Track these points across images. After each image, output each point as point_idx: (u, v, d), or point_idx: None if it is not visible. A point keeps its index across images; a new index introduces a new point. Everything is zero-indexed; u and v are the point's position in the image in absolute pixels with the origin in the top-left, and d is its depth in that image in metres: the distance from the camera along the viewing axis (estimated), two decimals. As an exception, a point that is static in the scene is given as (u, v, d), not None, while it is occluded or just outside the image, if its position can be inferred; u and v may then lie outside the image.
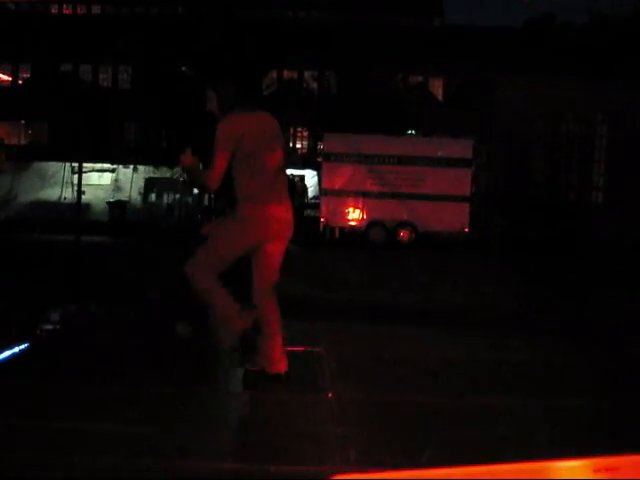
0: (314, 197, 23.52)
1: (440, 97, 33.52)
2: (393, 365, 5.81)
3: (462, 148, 20.11)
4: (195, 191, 24.84)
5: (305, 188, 23.64)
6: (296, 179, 22.67)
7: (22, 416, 4.24)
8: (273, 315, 4.97)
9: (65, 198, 19.08)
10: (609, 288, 11.60)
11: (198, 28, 23.27)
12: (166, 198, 25.09)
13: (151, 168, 26.56)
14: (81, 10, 44.36)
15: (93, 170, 15.70)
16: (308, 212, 21.47)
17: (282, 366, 4.93)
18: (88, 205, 16.74)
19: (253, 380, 4.93)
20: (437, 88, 33.70)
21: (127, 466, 3.57)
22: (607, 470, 1.55)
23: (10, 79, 39.27)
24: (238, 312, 4.85)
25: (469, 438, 4.13)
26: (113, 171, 26.17)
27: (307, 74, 33.86)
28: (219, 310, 4.91)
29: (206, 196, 24.07)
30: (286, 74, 33.70)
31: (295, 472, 3.65)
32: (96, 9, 43.73)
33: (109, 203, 23.18)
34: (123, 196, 24.45)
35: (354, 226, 20.20)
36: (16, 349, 5.65)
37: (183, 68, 25.87)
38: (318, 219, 20.21)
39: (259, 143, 4.91)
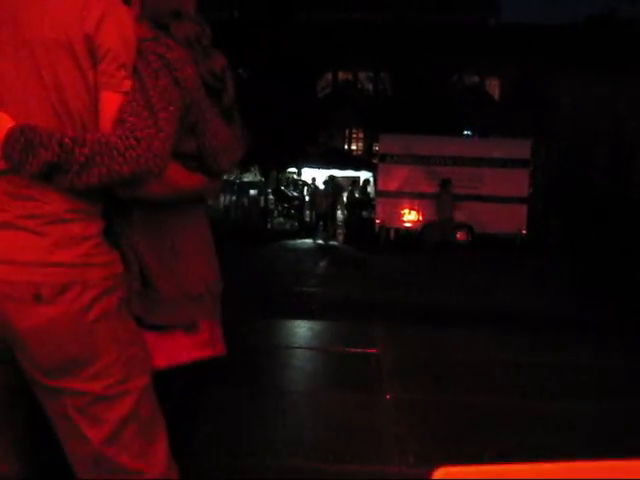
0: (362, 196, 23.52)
1: (496, 97, 33.15)
2: (450, 366, 5.82)
3: (519, 148, 19.82)
4: (252, 192, 25.08)
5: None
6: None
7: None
8: None
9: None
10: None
11: (254, 32, 23.49)
12: (223, 200, 25.43)
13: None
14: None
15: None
16: (364, 213, 21.50)
17: None
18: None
19: None
20: (493, 88, 33.33)
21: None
22: None
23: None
24: None
25: (525, 440, 4.13)
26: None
27: (362, 75, 33.85)
28: None
29: (262, 197, 24.32)
30: (341, 76, 33.76)
31: (354, 471, 3.71)
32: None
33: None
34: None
35: (410, 227, 20.14)
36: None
37: (239, 70, 26.17)
38: (373, 220, 20.26)
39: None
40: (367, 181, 23.07)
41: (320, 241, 20.03)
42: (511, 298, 10.27)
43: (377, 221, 20.04)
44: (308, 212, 21.90)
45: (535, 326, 7.87)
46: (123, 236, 1.85)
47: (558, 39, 28.52)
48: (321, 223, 21.35)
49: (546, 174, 23.15)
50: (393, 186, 19.74)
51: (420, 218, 19.83)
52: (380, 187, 20.16)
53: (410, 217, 19.95)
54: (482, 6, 36.66)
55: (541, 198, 21.26)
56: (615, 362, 6.20)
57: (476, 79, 32.65)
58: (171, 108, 1.72)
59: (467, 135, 27.76)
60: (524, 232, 19.24)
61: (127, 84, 1.73)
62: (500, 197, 19.18)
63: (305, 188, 23.23)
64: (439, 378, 5.49)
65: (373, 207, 21.27)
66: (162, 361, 1.85)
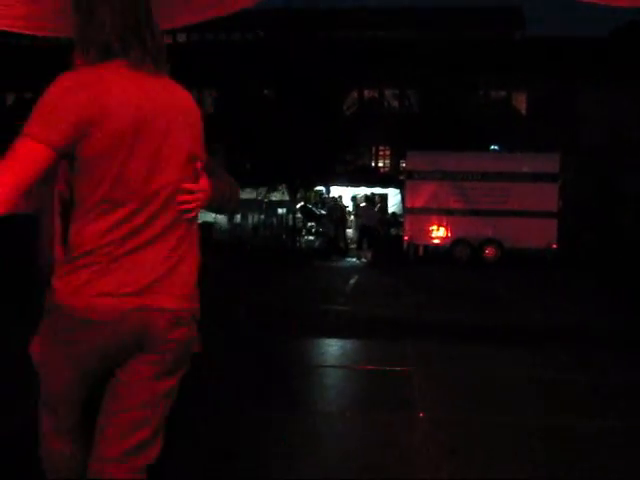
0: (394, 215, 23.49)
1: (523, 111, 33.00)
2: (484, 384, 5.75)
3: (548, 162, 19.67)
4: (280, 211, 25.17)
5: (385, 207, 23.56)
6: (376, 197, 22.78)
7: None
8: None
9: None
10: None
11: (279, 51, 23.67)
12: (251, 219, 25.53)
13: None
14: (167, 39, 45.83)
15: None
16: (392, 230, 21.48)
17: None
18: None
19: None
20: (520, 102, 33.16)
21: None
22: None
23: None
24: None
25: (560, 460, 4.06)
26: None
27: (388, 92, 33.92)
28: None
29: (291, 216, 24.38)
30: (367, 93, 33.86)
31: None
32: (181, 37, 45.19)
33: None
34: (209, 217, 25.04)
35: (438, 244, 20.05)
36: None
37: (265, 91, 26.34)
38: (401, 237, 20.24)
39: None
40: (376, 197, 22.99)
41: (356, 260, 19.96)
42: (547, 314, 10.15)
43: (405, 238, 19.99)
44: (351, 230, 22.28)
45: (571, 343, 7.76)
46: None
47: (585, 51, 28.36)
48: (351, 241, 21.45)
49: (576, 188, 22.93)
50: (420, 202, 19.70)
51: (449, 234, 19.75)
52: (408, 204, 20.13)
53: (438, 233, 19.87)
54: (507, 20, 36.65)
55: (572, 212, 21.02)
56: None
57: (503, 94, 32.54)
58: None
59: (494, 150, 27.64)
60: (555, 247, 19.06)
61: None
62: (530, 212, 19.05)
63: (337, 206, 23.25)
64: (472, 396, 5.42)
65: (399, 224, 21.24)
66: None
